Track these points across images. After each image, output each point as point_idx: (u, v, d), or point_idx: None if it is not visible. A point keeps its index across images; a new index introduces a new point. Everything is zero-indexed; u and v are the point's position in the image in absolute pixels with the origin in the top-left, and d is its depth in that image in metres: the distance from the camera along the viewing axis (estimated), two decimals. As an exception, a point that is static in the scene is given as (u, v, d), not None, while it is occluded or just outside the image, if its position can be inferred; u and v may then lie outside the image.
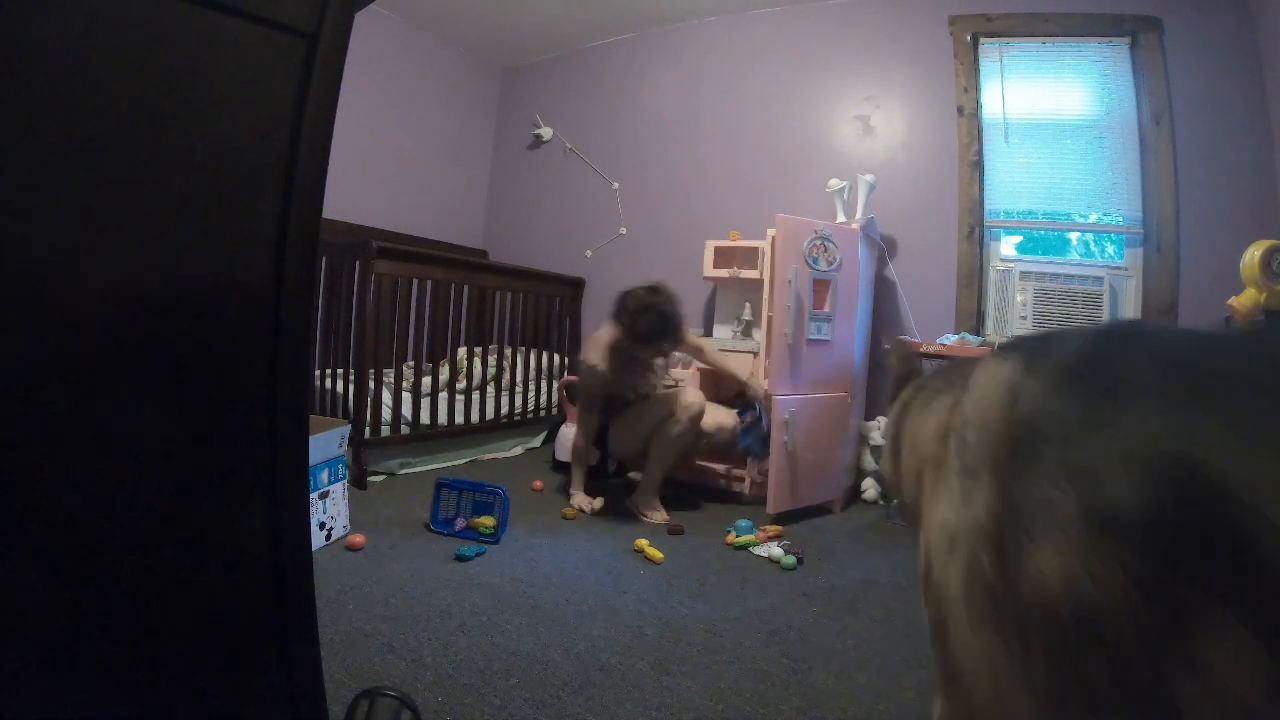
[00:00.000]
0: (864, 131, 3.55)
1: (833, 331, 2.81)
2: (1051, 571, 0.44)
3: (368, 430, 2.70)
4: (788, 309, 2.61)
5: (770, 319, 3.15)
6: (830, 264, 2.77)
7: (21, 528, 0.56)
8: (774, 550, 2.20)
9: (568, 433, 3.18)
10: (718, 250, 3.45)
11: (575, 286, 4.15)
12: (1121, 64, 3.09)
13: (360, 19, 0.75)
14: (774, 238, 2.72)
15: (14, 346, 0.54)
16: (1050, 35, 3.19)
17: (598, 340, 2.63)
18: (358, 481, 2.60)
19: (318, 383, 2.85)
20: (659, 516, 2.52)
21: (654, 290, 2.51)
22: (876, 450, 3.08)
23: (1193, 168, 2.95)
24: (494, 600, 1.73)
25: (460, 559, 1.98)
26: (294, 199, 0.68)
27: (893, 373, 1.16)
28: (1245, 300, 1.59)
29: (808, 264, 2.68)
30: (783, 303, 2.61)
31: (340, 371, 2.80)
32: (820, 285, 2.75)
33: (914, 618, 1.77)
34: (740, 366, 2.88)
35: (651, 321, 2.45)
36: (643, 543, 2.16)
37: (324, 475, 2.04)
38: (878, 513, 2.85)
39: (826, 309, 2.77)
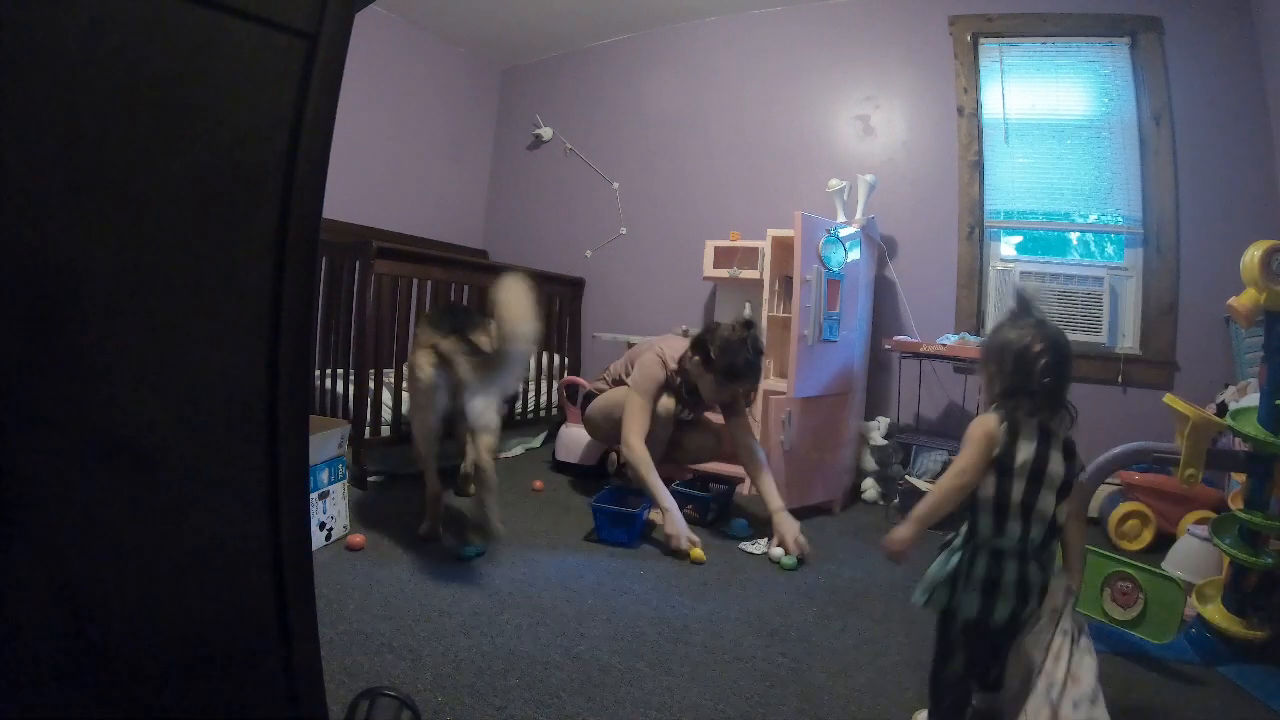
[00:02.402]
0: (864, 131, 3.55)
1: (840, 332, 2.81)
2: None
3: (368, 430, 2.70)
4: (808, 310, 2.60)
5: (769, 318, 3.16)
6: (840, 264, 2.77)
7: (21, 528, 0.56)
8: (775, 551, 2.20)
9: (568, 433, 3.18)
10: (718, 250, 3.45)
11: (575, 286, 4.15)
12: (1121, 64, 3.10)
13: (360, 19, 0.75)
14: (791, 236, 2.65)
15: (13, 345, 0.54)
16: (1050, 35, 3.19)
17: (673, 346, 2.55)
18: (358, 481, 2.60)
19: (318, 383, 2.85)
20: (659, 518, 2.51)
21: (749, 325, 2.38)
22: (876, 450, 3.08)
23: (1193, 168, 2.95)
24: (494, 600, 1.73)
25: (460, 559, 1.98)
26: (294, 199, 0.68)
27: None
28: (1245, 300, 1.59)
29: (822, 264, 2.67)
30: (803, 303, 2.58)
31: (340, 371, 2.80)
32: (832, 285, 2.74)
33: (914, 617, 1.77)
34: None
35: (749, 358, 2.33)
36: (697, 553, 2.14)
37: (324, 475, 2.04)
38: (878, 513, 2.85)
39: (837, 309, 2.77)
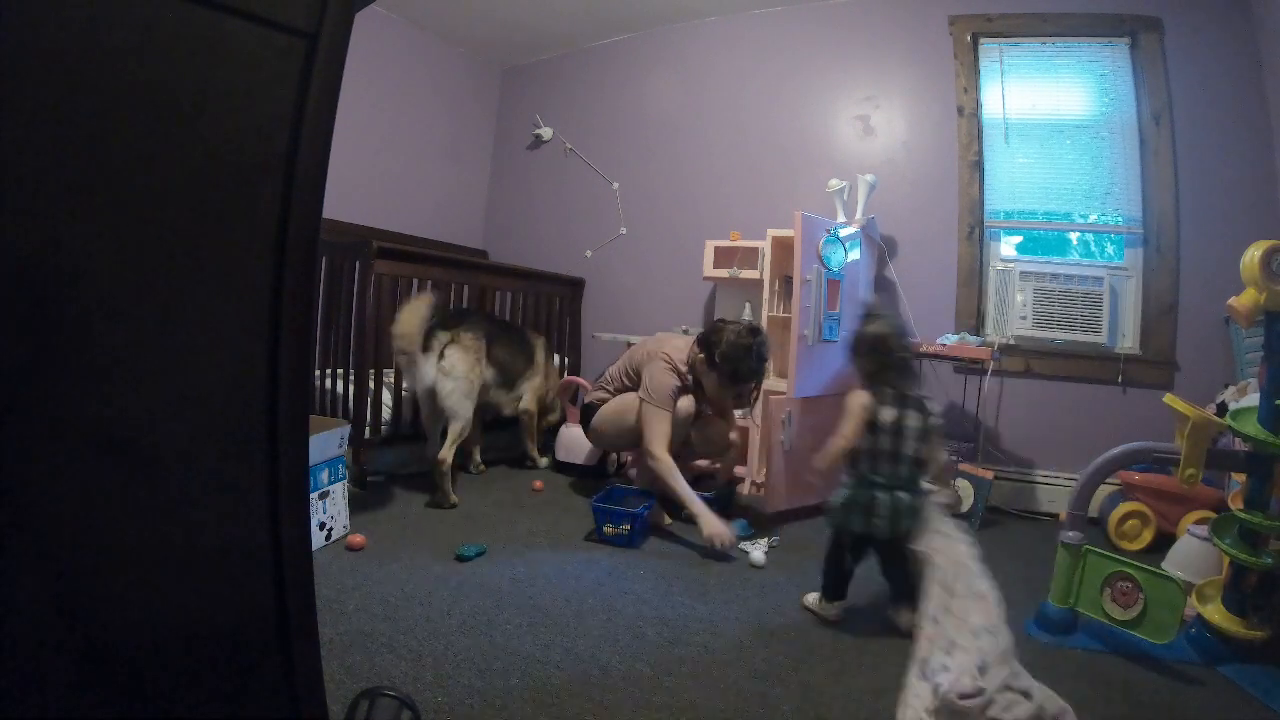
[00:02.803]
0: (864, 131, 3.55)
1: (840, 332, 2.81)
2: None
3: (368, 430, 2.70)
4: (808, 310, 2.59)
5: (769, 318, 3.16)
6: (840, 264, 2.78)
7: (20, 528, 0.56)
8: (754, 555, 2.17)
9: (568, 433, 3.18)
10: (718, 250, 3.45)
11: (575, 286, 4.15)
12: (1121, 64, 3.10)
13: (360, 19, 0.75)
14: (791, 236, 2.67)
15: (13, 345, 0.54)
16: (1050, 35, 3.19)
17: (676, 348, 2.56)
18: (358, 481, 2.60)
19: (318, 383, 2.85)
20: (663, 520, 2.51)
21: (755, 331, 2.42)
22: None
23: (1193, 168, 2.95)
24: (494, 600, 1.73)
25: (460, 559, 1.98)
26: (294, 199, 0.67)
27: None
28: (1245, 300, 1.59)
29: (822, 264, 2.67)
30: (803, 303, 2.58)
31: (340, 371, 2.80)
32: (832, 285, 2.74)
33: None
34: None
35: (753, 365, 2.39)
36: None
37: (324, 475, 2.04)
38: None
39: (837, 309, 2.77)
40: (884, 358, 1.76)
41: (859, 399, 1.74)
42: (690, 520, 2.52)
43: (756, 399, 2.64)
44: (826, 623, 1.75)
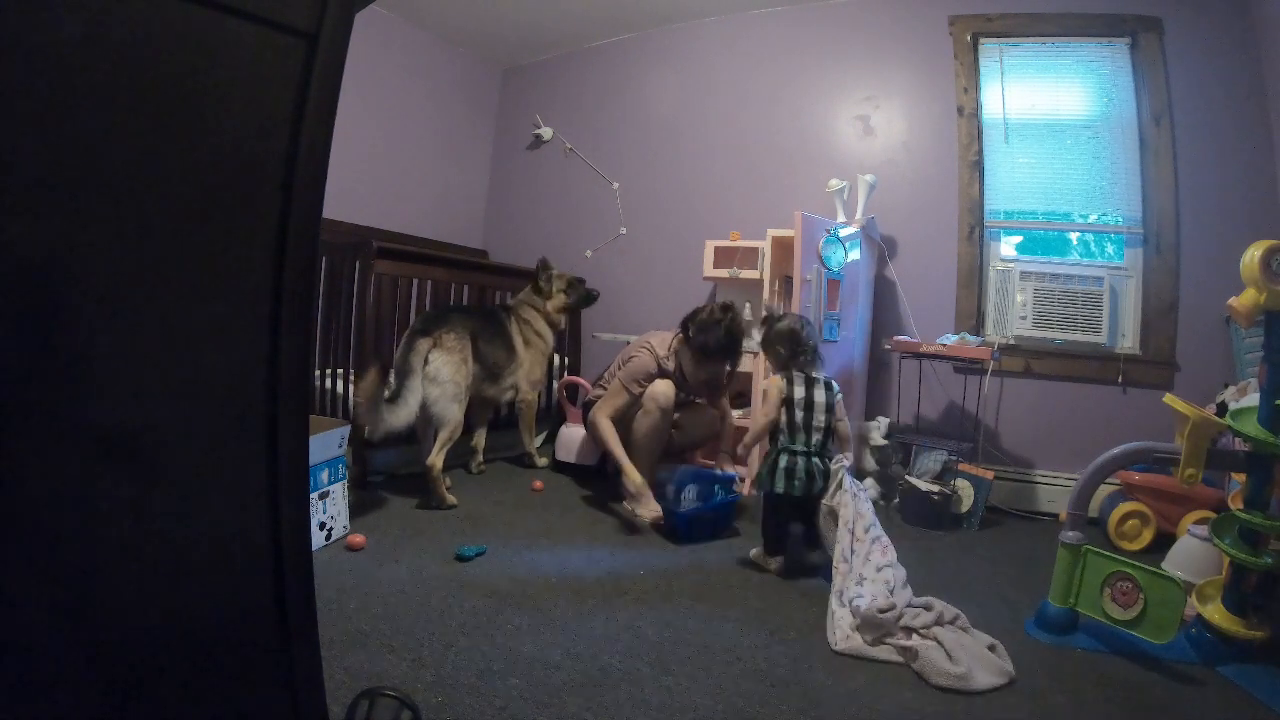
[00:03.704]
0: (864, 131, 3.55)
1: (841, 332, 2.81)
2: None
3: (367, 430, 2.70)
4: (808, 310, 2.60)
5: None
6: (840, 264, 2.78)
7: (21, 528, 0.56)
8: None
9: (568, 433, 3.18)
10: (718, 250, 3.45)
11: (575, 286, 4.14)
12: (1121, 64, 3.10)
13: (360, 19, 0.75)
14: (791, 236, 2.71)
15: (14, 344, 0.54)
16: (1050, 35, 3.19)
17: (661, 339, 2.75)
18: (358, 481, 2.60)
19: (318, 383, 2.85)
20: (655, 514, 2.50)
21: (726, 309, 2.56)
22: (876, 450, 3.08)
23: (1193, 168, 2.95)
24: (494, 600, 1.73)
25: (460, 559, 1.98)
26: (294, 199, 0.68)
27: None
28: (1245, 300, 1.59)
29: (822, 264, 2.67)
30: (803, 303, 2.60)
31: (340, 371, 2.80)
32: (832, 285, 2.74)
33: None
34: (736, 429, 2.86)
35: (720, 338, 2.51)
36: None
37: (324, 475, 2.04)
38: (878, 513, 2.84)
39: (837, 309, 2.77)
40: (795, 347, 2.11)
41: (775, 382, 2.10)
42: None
43: (731, 378, 2.75)
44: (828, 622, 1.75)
